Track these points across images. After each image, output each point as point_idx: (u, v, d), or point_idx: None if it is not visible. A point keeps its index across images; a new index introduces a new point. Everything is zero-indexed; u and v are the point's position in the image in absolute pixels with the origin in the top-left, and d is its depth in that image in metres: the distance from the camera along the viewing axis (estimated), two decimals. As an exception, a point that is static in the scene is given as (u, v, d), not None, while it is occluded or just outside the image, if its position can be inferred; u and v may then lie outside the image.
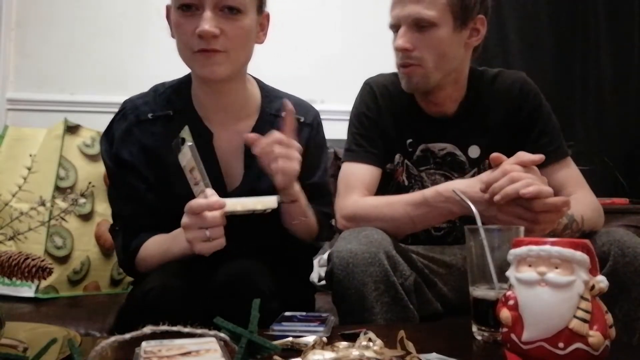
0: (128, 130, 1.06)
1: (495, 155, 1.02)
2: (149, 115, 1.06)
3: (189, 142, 0.91)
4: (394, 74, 1.31)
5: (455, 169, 1.26)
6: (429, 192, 1.09)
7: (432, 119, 1.26)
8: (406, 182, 1.27)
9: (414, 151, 1.26)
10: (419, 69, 1.17)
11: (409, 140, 1.26)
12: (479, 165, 1.26)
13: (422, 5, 1.13)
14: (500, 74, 1.29)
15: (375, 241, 1.01)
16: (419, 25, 1.14)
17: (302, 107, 1.16)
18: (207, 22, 0.95)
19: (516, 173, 0.96)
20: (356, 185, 1.21)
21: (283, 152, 0.95)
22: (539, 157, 1.01)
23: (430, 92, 1.22)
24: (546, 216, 0.95)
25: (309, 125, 1.14)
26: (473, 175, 1.25)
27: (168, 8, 1.04)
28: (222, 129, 1.06)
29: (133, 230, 1.06)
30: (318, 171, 1.17)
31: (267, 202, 0.96)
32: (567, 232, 1.05)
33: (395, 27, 1.19)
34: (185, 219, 0.90)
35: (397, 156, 1.27)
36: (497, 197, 0.95)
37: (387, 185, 1.27)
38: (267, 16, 1.08)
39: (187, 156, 0.91)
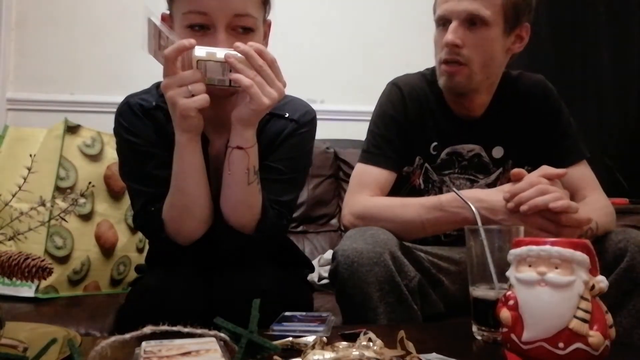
0: (138, 118, 1.05)
1: (516, 170, 1.03)
2: (153, 103, 1.05)
3: (149, 17, 0.91)
4: (421, 74, 1.31)
5: (481, 170, 1.27)
6: (445, 196, 1.09)
7: (460, 121, 1.26)
8: (422, 186, 1.27)
9: (439, 154, 1.26)
10: (464, 69, 1.16)
11: (434, 144, 1.25)
12: (504, 165, 1.27)
13: (479, 2, 1.13)
14: (522, 76, 1.30)
15: (381, 241, 1.01)
16: (472, 23, 1.14)
17: (294, 104, 1.12)
18: (223, 45, 0.92)
19: (544, 185, 0.98)
20: (370, 184, 1.20)
21: (259, 80, 0.88)
22: (563, 171, 1.03)
23: (466, 95, 1.21)
24: (568, 230, 0.97)
25: (294, 121, 1.09)
26: (498, 176, 1.27)
27: (165, 17, 1.01)
28: (217, 137, 1.05)
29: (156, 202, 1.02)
30: (285, 161, 1.07)
31: (235, 55, 0.88)
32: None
33: (444, 20, 1.17)
34: (164, 81, 0.88)
35: (417, 159, 1.26)
36: (524, 207, 0.96)
37: (400, 188, 1.27)
38: (269, 24, 1.08)
39: (152, 27, 0.91)
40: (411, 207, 1.11)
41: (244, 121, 0.93)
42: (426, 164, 1.26)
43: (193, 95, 0.87)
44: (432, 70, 1.30)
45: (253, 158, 0.95)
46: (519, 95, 1.28)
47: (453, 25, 1.14)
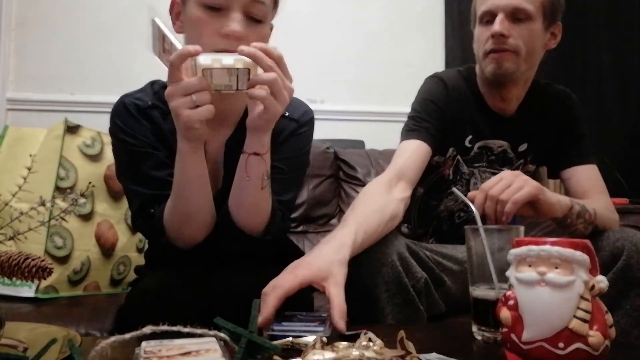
0: (134, 118, 1.04)
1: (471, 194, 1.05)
2: (149, 102, 1.05)
3: (154, 18, 0.92)
4: (457, 71, 1.37)
5: (505, 164, 1.33)
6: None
7: (495, 116, 1.32)
8: (451, 177, 1.33)
9: (472, 148, 1.31)
10: (512, 55, 1.21)
11: (469, 137, 1.31)
12: (526, 158, 1.34)
13: None
14: (550, 85, 1.39)
15: (389, 241, 1.01)
16: (515, 17, 1.20)
17: (293, 104, 1.08)
18: (238, 24, 0.92)
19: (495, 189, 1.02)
20: (403, 155, 1.21)
21: (273, 82, 0.85)
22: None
23: (506, 86, 1.26)
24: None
25: (294, 121, 1.09)
26: (518, 167, 1.34)
27: (175, 1, 1.01)
28: (215, 134, 1.05)
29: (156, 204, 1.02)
30: (287, 160, 1.07)
31: (241, 60, 0.86)
32: (581, 221, 1.12)
33: (489, 15, 1.22)
34: (168, 88, 0.86)
35: (451, 150, 1.31)
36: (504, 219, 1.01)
37: (428, 176, 1.31)
38: (271, 28, 1.07)
39: (157, 30, 0.91)
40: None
41: (260, 129, 0.92)
42: (459, 156, 1.31)
43: (198, 106, 0.85)
44: (467, 68, 1.36)
45: (267, 163, 0.95)
46: (547, 100, 1.34)
47: (499, 17, 1.20)
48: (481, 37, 1.25)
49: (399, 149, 1.24)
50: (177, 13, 1.02)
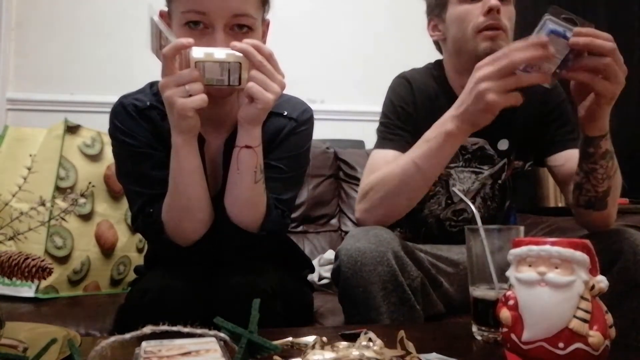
0: (133, 119, 1.04)
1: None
2: (147, 103, 1.05)
3: (152, 16, 0.93)
4: (426, 69, 1.34)
5: (485, 162, 1.29)
6: (428, 131, 1.08)
7: None
8: None
9: None
10: (503, 34, 1.19)
11: None
12: (509, 156, 1.30)
13: None
14: None
15: (384, 240, 1.01)
16: None
17: (291, 103, 1.12)
18: (221, 45, 0.92)
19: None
20: (380, 166, 1.18)
21: (260, 77, 0.89)
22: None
23: None
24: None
25: (293, 120, 1.10)
26: (503, 166, 1.30)
27: (163, 15, 1.01)
28: (214, 136, 1.06)
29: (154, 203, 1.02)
30: (286, 159, 1.08)
31: (233, 54, 0.89)
32: (603, 163, 1.09)
33: None
34: (162, 80, 0.88)
35: None
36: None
37: None
38: (268, 24, 1.08)
39: (154, 27, 0.93)
40: (402, 156, 1.12)
41: (251, 120, 0.93)
42: None
43: (191, 95, 0.87)
44: (436, 64, 1.32)
45: (260, 156, 0.96)
46: (524, 89, 1.28)
47: None
48: (470, 14, 1.20)
49: (375, 160, 1.21)
50: (167, 24, 1.02)
